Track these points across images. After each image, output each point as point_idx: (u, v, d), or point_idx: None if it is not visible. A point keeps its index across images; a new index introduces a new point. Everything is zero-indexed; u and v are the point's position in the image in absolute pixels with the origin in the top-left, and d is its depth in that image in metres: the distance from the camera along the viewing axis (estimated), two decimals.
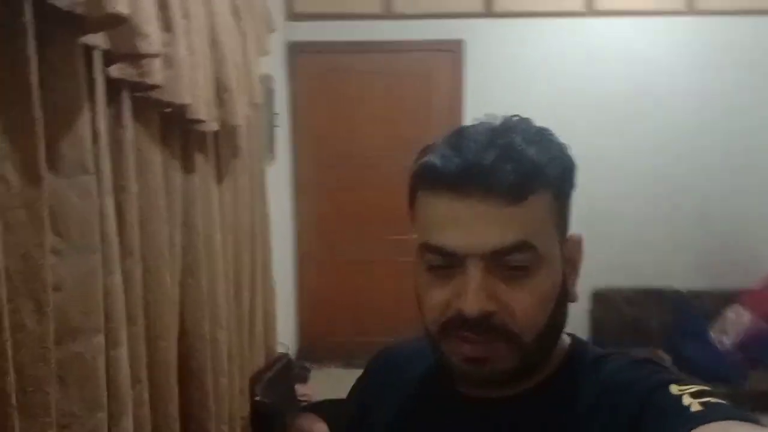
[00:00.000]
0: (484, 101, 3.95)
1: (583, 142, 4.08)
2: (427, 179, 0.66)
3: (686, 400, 0.58)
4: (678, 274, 3.89)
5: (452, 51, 3.96)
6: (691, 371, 3.35)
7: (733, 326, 3.66)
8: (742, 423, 0.55)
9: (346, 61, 4.05)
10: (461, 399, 0.73)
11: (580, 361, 0.71)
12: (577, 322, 4.03)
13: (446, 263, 0.65)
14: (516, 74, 3.96)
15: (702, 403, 0.57)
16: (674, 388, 0.60)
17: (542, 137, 0.67)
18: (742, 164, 3.94)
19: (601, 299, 3.95)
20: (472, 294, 0.62)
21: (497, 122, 0.68)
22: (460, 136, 0.66)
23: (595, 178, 3.97)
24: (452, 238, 0.63)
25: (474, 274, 0.62)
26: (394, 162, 4.05)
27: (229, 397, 2.06)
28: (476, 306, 0.62)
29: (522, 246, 0.62)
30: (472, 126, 0.68)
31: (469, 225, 0.62)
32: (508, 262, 0.63)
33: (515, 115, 0.68)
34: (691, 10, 3.82)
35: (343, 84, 4.06)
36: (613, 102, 3.89)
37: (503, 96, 3.95)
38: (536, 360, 0.68)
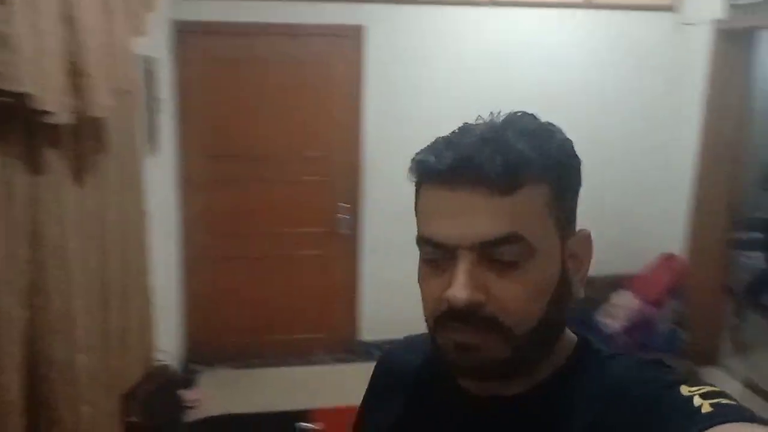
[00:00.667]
0: (385, 90, 3.83)
1: None
2: (422, 174, 0.67)
3: (697, 401, 0.58)
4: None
5: (352, 37, 3.79)
6: None
7: (620, 311, 3.77)
8: (754, 425, 0.54)
9: (240, 44, 3.77)
10: (464, 396, 0.72)
11: (587, 360, 0.71)
12: None
13: (440, 255, 0.65)
14: (417, 63, 3.85)
15: (713, 404, 0.57)
16: (684, 389, 0.60)
17: (542, 132, 0.67)
18: (634, 156, 4.06)
19: None
20: (459, 284, 0.62)
21: (498, 118, 0.68)
22: (456, 132, 0.67)
23: None
24: (443, 230, 0.64)
25: (463, 264, 0.63)
26: (291, 153, 3.87)
27: (94, 424, 1.82)
28: (463, 296, 0.62)
29: (511, 237, 0.62)
30: (473, 123, 0.68)
31: (459, 217, 0.63)
32: (498, 254, 0.63)
33: (519, 111, 0.69)
34: (590, 4, 3.87)
35: (236, 69, 3.78)
36: (514, 93, 3.87)
37: (404, 85, 3.85)
38: (530, 354, 0.67)
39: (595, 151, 4.03)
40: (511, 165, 0.62)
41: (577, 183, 0.70)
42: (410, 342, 0.89)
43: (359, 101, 3.84)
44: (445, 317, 0.65)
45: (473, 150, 0.63)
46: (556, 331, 0.69)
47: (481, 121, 0.69)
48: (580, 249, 0.70)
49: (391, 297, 3.94)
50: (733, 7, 3.42)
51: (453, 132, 0.68)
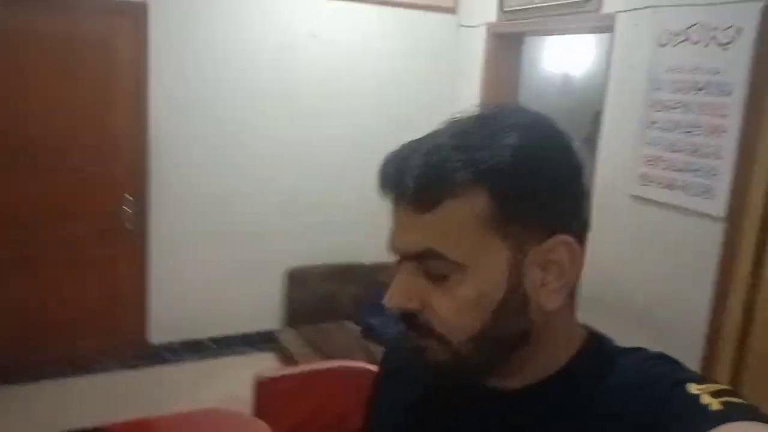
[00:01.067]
0: (172, 73, 3.61)
1: (270, 124, 4.00)
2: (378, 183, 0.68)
3: (705, 399, 0.57)
4: (368, 251, 4.08)
5: (134, 15, 3.50)
6: (375, 339, 3.68)
7: None
8: (764, 424, 0.54)
9: (8, 18, 3.29)
10: (469, 389, 0.72)
11: (594, 356, 0.70)
12: (274, 300, 4.06)
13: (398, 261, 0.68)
14: (202, 45, 3.68)
15: (722, 403, 0.56)
16: (692, 387, 0.59)
17: (490, 134, 0.63)
18: None
19: (296, 278, 4.02)
20: (389, 292, 0.66)
21: (470, 115, 0.67)
22: (413, 139, 0.67)
23: (289, 164, 3.96)
24: (391, 240, 0.67)
25: (400, 272, 0.66)
26: (68, 141, 3.48)
27: None
28: (391, 303, 0.66)
29: (429, 254, 0.63)
30: (442, 124, 0.67)
31: (398, 228, 0.66)
32: (424, 267, 0.64)
33: (499, 106, 0.68)
34: (381, 0, 4.01)
35: (4, 47, 3.30)
36: (302, 84, 3.89)
37: (189, 68, 3.65)
38: (475, 363, 0.66)
39: (380, 147, 4.20)
40: (427, 182, 0.62)
41: (541, 187, 0.63)
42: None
43: (144, 85, 3.56)
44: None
45: (396, 167, 0.65)
46: (509, 340, 0.66)
47: (461, 116, 0.67)
48: (557, 256, 0.64)
49: (183, 295, 3.78)
50: (505, 12, 3.78)
51: (419, 137, 0.67)
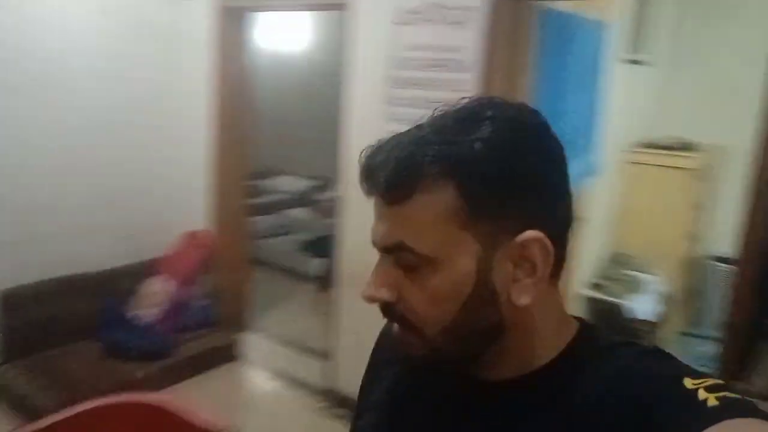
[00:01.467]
0: None
1: None
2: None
3: (701, 394, 0.56)
4: (96, 258, 3.52)
5: None
6: (122, 355, 3.22)
7: (154, 298, 3.59)
8: (762, 421, 0.53)
9: None
10: (451, 377, 0.73)
11: (585, 348, 0.69)
12: None
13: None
14: None
15: (718, 398, 0.55)
16: (688, 382, 0.58)
17: (462, 127, 0.64)
18: (143, 133, 3.75)
19: (10, 302, 3.20)
20: (368, 281, 0.67)
21: (454, 107, 0.68)
22: (398, 133, 0.67)
23: None
24: (371, 231, 0.68)
25: (377, 263, 0.67)
26: None
27: None
28: (367, 293, 0.66)
29: (399, 247, 0.64)
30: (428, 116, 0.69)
31: (375, 220, 0.67)
32: (397, 259, 0.65)
33: (478, 98, 0.68)
34: None
35: None
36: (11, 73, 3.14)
37: None
38: (453, 354, 0.67)
39: (100, 132, 3.67)
40: (397, 175, 0.62)
41: (512, 183, 0.63)
42: None
43: None
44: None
45: (372, 160, 0.65)
46: (482, 333, 0.66)
47: (445, 107, 0.69)
48: (529, 252, 0.64)
49: None
50: None
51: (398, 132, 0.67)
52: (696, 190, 4.23)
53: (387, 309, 0.68)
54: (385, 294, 0.66)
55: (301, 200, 6.44)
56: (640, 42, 4.05)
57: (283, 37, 6.30)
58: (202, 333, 3.73)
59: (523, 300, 0.64)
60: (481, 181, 0.62)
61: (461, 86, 2.62)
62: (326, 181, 6.45)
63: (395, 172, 0.63)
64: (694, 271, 4.54)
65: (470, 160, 0.62)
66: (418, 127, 0.67)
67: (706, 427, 0.53)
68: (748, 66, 4.30)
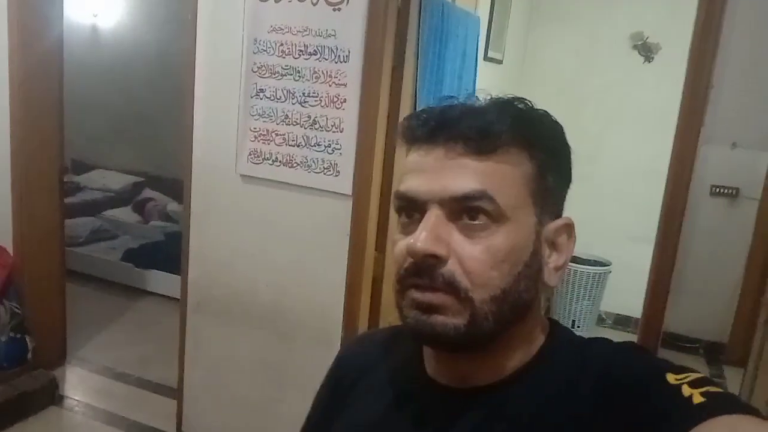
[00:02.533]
0: None
1: None
2: (405, 136, 0.68)
3: (686, 390, 0.56)
4: None
5: None
6: None
7: None
8: (749, 417, 0.52)
9: None
10: (434, 387, 0.71)
11: (561, 348, 0.69)
12: None
13: (412, 211, 0.66)
14: None
15: (703, 394, 0.55)
16: (671, 378, 0.58)
17: (527, 112, 0.67)
18: None
19: None
20: (420, 235, 0.62)
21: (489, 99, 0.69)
22: (443, 101, 0.68)
23: None
24: (415, 185, 0.65)
25: (429, 217, 0.63)
26: None
27: None
28: (423, 245, 0.62)
29: (480, 195, 0.62)
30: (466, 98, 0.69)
31: (433, 173, 0.64)
32: (467, 211, 0.63)
33: (517, 96, 0.69)
34: None
35: None
36: None
37: None
38: (490, 327, 0.64)
39: None
40: (487, 126, 0.63)
41: (563, 169, 0.69)
42: (367, 337, 0.91)
43: None
44: (406, 275, 0.65)
45: (453, 112, 0.65)
46: (520, 308, 0.66)
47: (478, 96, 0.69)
48: (559, 237, 0.68)
49: None
50: None
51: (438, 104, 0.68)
52: None
53: (429, 269, 0.63)
54: (441, 248, 0.62)
55: (121, 200, 5.64)
56: (496, 41, 3.96)
57: (102, 10, 5.48)
58: (10, 374, 2.98)
59: (554, 281, 0.67)
60: (549, 158, 0.66)
61: (339, 78, 2.25)
62: (150, 179, 5.73)
63: (487, 124, 0.63)
64: None
65: (542, 135, 0.66)
66: (479, 99, 0.68)
67: (694, 425, 0.52)
68: (584, 73, 4.58)
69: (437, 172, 0.64)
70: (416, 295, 0.64)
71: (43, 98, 3.05)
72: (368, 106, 2.24)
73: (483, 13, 3.52)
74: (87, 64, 5.51)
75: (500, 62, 4.10)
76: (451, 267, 0.62)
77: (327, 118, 2.29)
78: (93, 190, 5.70)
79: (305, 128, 2.33)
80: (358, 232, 2.35)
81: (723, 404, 0.54)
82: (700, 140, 1.93)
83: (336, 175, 2.32)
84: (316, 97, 2.29)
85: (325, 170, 2.33)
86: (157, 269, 4.49)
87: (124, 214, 5.46)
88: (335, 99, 2.27)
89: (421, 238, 0.62)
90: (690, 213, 2.08)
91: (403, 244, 0.65)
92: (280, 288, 2.50)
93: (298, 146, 2.35)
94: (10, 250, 3.09)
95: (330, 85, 2.27)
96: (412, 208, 0.66)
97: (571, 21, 4.57)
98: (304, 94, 2.31)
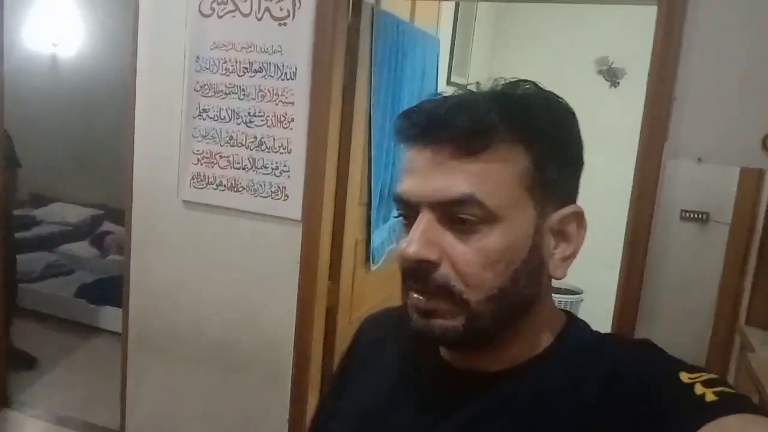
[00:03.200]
0: None
1: None
2: (397, 134, 0.67)
3: (699, 389, 0.56)
4: None
5: None
6: None
7: None
8: (761, 417, 0.52)
9: None
10: (445, 369, 0.70)
11: (576, 340, 0.68)
12: None
13: (408, 213, 0.65)
14: None
15: (716, 393, 0.55)
16: (684, 376, 0.58)
17: (529, 99, 0.64)
18: None
19: None
20: (410, 240, 0.62)
21: (494, 84, 0.67)
22: (438, 95, 0.66)
23: None
24: (408, 187, 0.64)
25: (420, 222, 0.62)
26: None
27: None
28: (413, 250, 0.61)
29: (469, 200, 0.61)
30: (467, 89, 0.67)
31: (423, 175, 0.63)
32: (457, 216, 0.61)
33: (524, 80, 0.67)
34: None
35: None
36: None
37: None
38: (489, 326, 0.63)
39: None
40: (476, 126, 0.61)
41: (568, 155, 0.66)
42: (384, 314, 0.87)
43: None
44: (405, 277, 0.64)
45: (442, 110, 0.63)
46: (520, 304, 0.65)
47: (474, 87, 0.66)
48: (567, 226, 0.65)
49: None
50: None
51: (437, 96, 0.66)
52: None
53: (423, 273, 0.62)
54: (432, 253, 0.61)
55: (79, 233, 5.42)
56: (459, 65, 3.88)
57: (58, 33, 5.34)
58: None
59: (560, 273, 0.65)
60: (549, 151, 0.63)
61: (286, 96, 2.12)
62: (110, 211, 5.53)
63: (476, 122, 0.61)
64: None
65: (539, 125, 0.63)
66: (473, 92, 0.65)
67: (706, 423, 0.52)
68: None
69: (427, 175, 0.63)
70: (414, 298, 0.64)
71: None
72: (318, 125, 2.11)
73: (444, 36, 3.44)
74: (46, 94, 5.36)
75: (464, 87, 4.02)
76: (444, 270, 0.62)
77: (274, 139, 2.16)
78: (50, 224, 5.47)
79: (251, 149, 2.20)
80: (309, 260, 2.20)
81: (735, 404, 0.54)
82: (664, 155, 1.82)
83: (284, 199, 2.17)
84: (263, 116, 2.16)
85: (273, 194, 2.19)
86: (111, 305, 4.27)
87: (81, 248, 5.24)
88: (282, 118, 2.14)
89: (410, 244, 0.62)
90: (660, 238, 1.97)
91: (402, 248, 0.65)
92: (225, 321, 2.33)
93: (244, 169, 2.21)
94: None
95: (277, 104, 2.14)
96: (408, 210, 0.65)
97: (537, 45, 4.53)
98: (249, 113, 2.18)
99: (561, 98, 0.67)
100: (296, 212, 2.17)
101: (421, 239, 0.61)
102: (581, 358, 0.65)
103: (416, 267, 0.62)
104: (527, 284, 0.64)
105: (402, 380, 0.75)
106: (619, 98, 4.36)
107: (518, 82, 0.66)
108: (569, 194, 0.66)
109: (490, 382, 0.67)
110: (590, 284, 4.43)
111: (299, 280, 2.21)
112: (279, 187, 2.17)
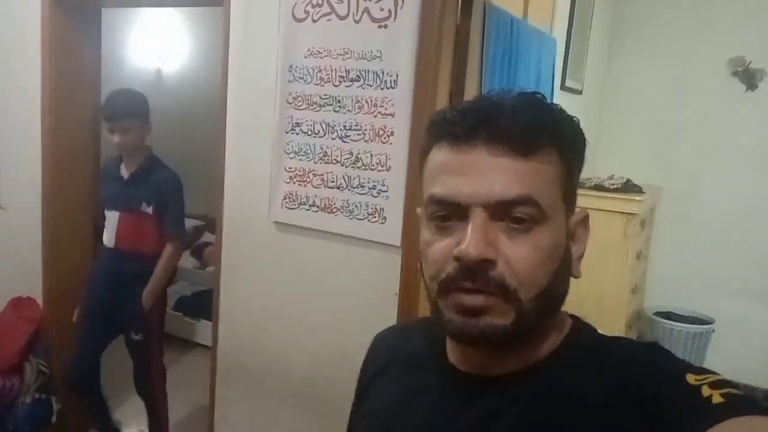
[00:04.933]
0: None
1: None
2: (439, 132, 0.66)
3: (706, 391, 0.56)
4: None
5: None
6: None
7: None
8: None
9: None
10: (456, 375, 0.72)
11: (583, 342, 0.69)
12: None
13: (451, 214, 0.64)
14: None
15: (723, 395, 0.55)
16: (691, 378, 0.58)
17: (550, 107, 0.67)
18: None
19: None
20: (471, 240, 0.62)
21: (508, 94, 0.68)
22: (474, 98, 0.69)
23: None
24: (458, 187, 0.63)
25: (476, 221, 0.63)
26: None
27: None
28: (475, 251, 0.61)
29: (526, 200, 0.63)
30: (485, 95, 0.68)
31: (476, 175, 0.63)
32: (511, 215, 0.63)
33: (525, 89, 0.69)
34: None
35: None
36: None
37: None
38: (532, 323, 0.65)
39: None
40: (530, 128, 0.63)
41: (582, 162, 0.70)
42: (403, 327, 0.95)
43: None
44: (451, 279, 0.64)
45: (493, 111, 0.64)
46: (557, 303, 0.68)
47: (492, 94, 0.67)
48: (579, 228, 0.70)
49: None
50: None
51: (472, 99, 0.68)
52: (640, 237, 3.73)
53: (482, 272, 0.62)
54: (491, 252, 0.62)
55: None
56: (574, 68, 3.52)
57: (163, 47, 5.43)
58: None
59: (578, 272, 0.69)
60: (574, 156, 0.67)
61: (386, 106, 1.89)
62: (210, 222, 5.54)
63: (531, 122, 0.62)
64: (638, 328, 4.04)
65: (569, 134, 0.67)
66: (506, 98, 0.66)
67: (713, 424, 0.52)
68: (675, 104, 4.07)
69: (480, 174, 0.63)
70: (465, 298, 0.64)
71: (75, 144, 2.85)
72: (420, 139, 1.86)
73: (559, 37, 3.10)
74: (152, 107, 5.45)
75: (579, 92, 3.65)
76: (501, 269, 0.62)
77: (371, 155, 1.93)
78: None
79: (346, 167, 1.98)
80: (408, 291, 1.95)
81: (742, 405, 0.53)
82: None
83: (382, 222, 1.94)
84: (359, 130, 1.94)
85: (370, 216, 1.96)
86: (208, 319, 4.22)
87: (182, 259, 5.28)
88: (381, 132, 1.91)
89: (473, 244, 0.61)
90: None
91: (445, 250, 0.64)
92: (315, 357, 2.12)
93: (339, 188, 2.00)
94: (39, 301, 2.86)
95: (375, 116, 1.91)
96: (452, 211, 0.64)
97: (660, 46, 4.07)
98: (345, 127, 1.96)
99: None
100: (395, 237, 1.92)
101: (479, 238, 0.61)
102: (589, 360, 0.66)
103: (475, 267, 0.62)
104: (563, 282, 0.67)
105: (413, 389, 0.76)
106: (757, 102, 3.83)
107: (532, 93, 0.67)
108: (576, 199, 0.70)
109: (499, 384, 0.68)
110: (722, 313, 3.91)
111: (398, 311, 1.96)
112: (376, 208, 1.94)
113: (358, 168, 1.95)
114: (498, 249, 0.62)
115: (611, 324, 3.73)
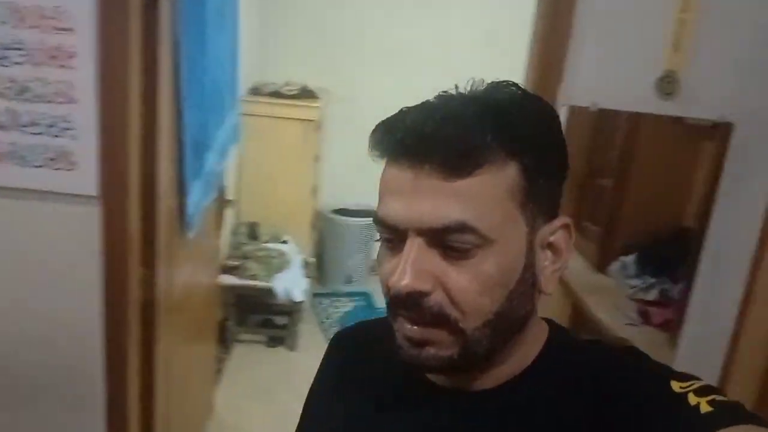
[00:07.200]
0: None
1: None
2: (374, 148, 0.60)
3: (692, 399, 0.54)
4: None
5: None
6: None
7: None
8: (758, 428, 0.51)
9: None
10: (431, 389, 0.67)
11: (561, 350, 0.66)
12: None
13: (393, 236, 0.60)
14: None
15: (710, 403, 0.53)
16: (676, 386, 0.56)
17: (516, 107, 0.59)
18: None
19: None
20: (400, 271, 0.57)
21: (475, 87, 0.61)
22: (419, 104, 0.60)
23: None
24: (393, 211, 0.59)
25: (408, 250, 0.58)
26: None
27: None
28: (403, 283, 0.57)
29: (460, 228, 0.56)
30: (444, 93, 0.61)
31: (408, 198, 0.58)
32: (448, 241, 0.57)
33: (502, 81, 0.62)
34: None
35: None
36: None
37: None
38: (483, 351, 0.60)
39: None
40: (468, 145, 0.56)
41: (556, 165, 0.62)
42: (366, 328, 0.82)
43: None
44: (394, 304, 0.60)
45: (428, 125, 0.56)
46: (515, 325, 0.62)
47: (455, 91, 0.61)
48: (558, 239, 0.63)
49: None
50: None
51: (417, 104, 0.60)
52: (316, 141, 3.82)
53: (414, 303, 0.58)
54: (425, 283, 0.57)
55: None
56: None
57: None
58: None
59: (550, 288, 0.63)
60: (540, 163, 0.59)
61: (60, 19, 1.45)
62: None
63: (466, 141, 0.55)
64: (318, 228, 4.24)
65: (528, 136, 0.58)
66: (457, 101, 0.59)
67: None
68: (336, 5, 4.15)
69: (412, 198, 0.57)
70: (406, 328, 0.60)
71: None
72: (113, 60, 1.49)
73: None
74: None
75: None
76: (438, 298, 0.58)
77: (45, 83, 1.49)
78: None
79: (9, 99, 1.49)
80: (113, 246, 1.64)
81: (731, 414, 0.53)
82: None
83: (69, 169, 1.55)
84: (23, 49, 1.46)
85: (51, 162, 1.54)
86: None
87: None
88: (56, 52, 1.47)
89: (401, 276, 0.57)
90: None
91: (389, 272, 0.59)
92: (6, 341, 1.68)
93: (1, 128, 1.51)
94: None
95: (45, 31, 1.46)
96: (393, 234, 0.60)
97: None
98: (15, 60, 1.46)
99: (543, 100, 0.64)
100: (89, 186, 1.56)
101: (412, 269, 0.57)
102: (567, 372, 0.63)
103: (406, 298, 0.58)
104: (522, 303, 0.61)
105: (385, 403, 0.70)
106: (398, 6, 4.13)
107: (500, 84, 0.61)
108: (556, 205, 0.63)
109: (479, 400, 0.64)
110: None
111: (103, 273, 1.64)
112: (60, 151, 1.53)
113: (27, 101, 1.49)
114: (436, 277, 0.57)
115: (299, 225, 3.87)
